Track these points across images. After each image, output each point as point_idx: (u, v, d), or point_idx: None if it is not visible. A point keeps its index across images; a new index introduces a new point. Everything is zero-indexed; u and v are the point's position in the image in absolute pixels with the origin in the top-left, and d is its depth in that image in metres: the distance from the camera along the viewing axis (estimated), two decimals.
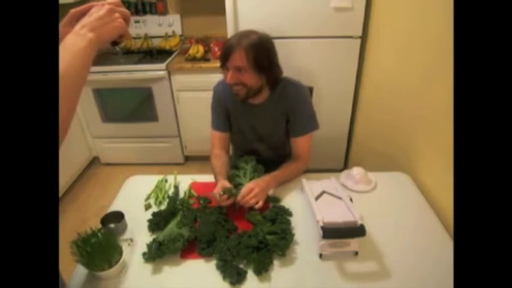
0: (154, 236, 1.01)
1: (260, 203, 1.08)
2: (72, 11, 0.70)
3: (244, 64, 1.12)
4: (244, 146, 1.43)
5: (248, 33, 1.16)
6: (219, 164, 1.27)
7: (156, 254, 0.94)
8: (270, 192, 1.18)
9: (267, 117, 1.30)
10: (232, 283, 0.88)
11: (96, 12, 0.63)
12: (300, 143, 1.31)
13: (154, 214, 1.08)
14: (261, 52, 1.15)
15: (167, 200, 1.20)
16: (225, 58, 1.13)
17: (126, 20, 0.67)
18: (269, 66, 1.18)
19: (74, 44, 0.58)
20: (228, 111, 1.35)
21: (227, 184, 1.12)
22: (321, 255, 0.96)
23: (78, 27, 0.61)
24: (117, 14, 0.64)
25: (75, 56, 0.57)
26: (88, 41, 0.59)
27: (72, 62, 0.56)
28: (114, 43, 0.70)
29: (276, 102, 1.27)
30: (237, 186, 1.14)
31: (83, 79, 0.58)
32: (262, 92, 1.25)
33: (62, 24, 0.70)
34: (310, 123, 1.30)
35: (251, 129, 1.35)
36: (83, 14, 0.67)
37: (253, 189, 1.09)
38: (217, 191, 1.09)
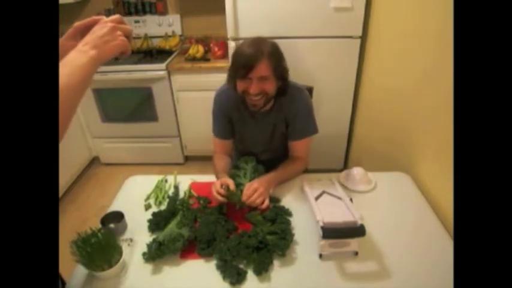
0: (154, 236, 1.01)
1: (267, 202, 1.09)
2: (76, 24, 0.71)
3: (269, 73, 1.10)
4: (245, 151, 1.41)
5: (261, 41, 1.13)
6: (222, 164, 1.27)
7: (156, 254, 0.94)
8: (270, 192, 1.18)
9: (269, 123, 1.29)
10: (232, 283, 0.88)
11: (99, 30, 0.64)
12: (298, 146, 1.31)
13: (154, 214, 1.08)
14: (280, 59, 1.14)
15: (167, 200, 1.19)
16: (248, 69, 1.08)
17: (128, 37, 0.68)
18: (284, 72, 1.18)
19: (74, 60, 0.59)
20: (231, 120, 1.32)
21: (229, 181, 1.11)
22: (321, 255, 0.96)
23: (80, 44, 0.62)
24: (119, 32, 0.66)
25: (74, 71, 0.58)
26: (89, 58, 0.60)
27: (71, 78, 0.57)
28: (115, 58, 0.71)
29: (278, 107, 1.26)
30: (237, 186, 1.14)
31: (80, 95, 0.59)
32: (271, 101, 1.24)
33: (66, 37, 0.71)
34: (309, 127, 1.29)
35: (253, 136, 1.35)
36: (87, 27, 0.69)
37: (258, 189, 1.08)
38: (219, 184, 1.09)
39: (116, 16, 0.68)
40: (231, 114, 1.30)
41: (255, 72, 1.08)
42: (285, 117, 1.27)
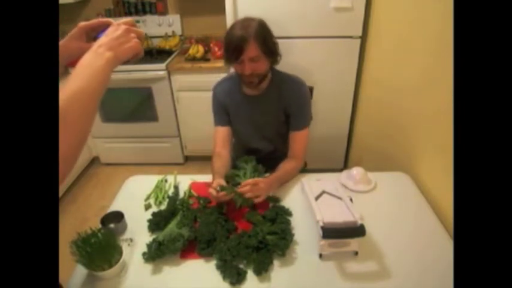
0: (154, 236, 1.01)
1: (261, 198, 1.09)
2: (81, 24, 0.71)
3: (258, 53, 1.18)
4: (244, 144, 1.45)
5: (248, 21, 1.20)
6: (219, 164, 1.27)
7: (156, 254, 0.94)
8: (271, 193, 1.18)
9: (265, 107, 1.35)
10: (232, 283, 0.88)
11: (113, 32, 0.64)
12: (299, 138, 1.35)
13: (154, 214, 1.08)
14: (267, 36, 1.21)
15: (167, 200, 1.20)
16: (238, 52, 1.16)
17: (141, 39, 0.68)
18: (274, 47, 1.25)
19: (92, 62, 0.59)
20: (227, 108, 1.38)
21: (223, 182, 1.12)
22: (320, 255, 0.96)
23: (95, 46, 0.61)
24: (133, 34, 0.66)
25: (93, 74, 0.57)
26: (106, 59, 0.60)
27: (91, 80, 0.57)
28: (127, 61, 0.70)
29: (275, 94, 1.32)
30: (237, 186, 1.14)
31: (99, 96, 0.59)
32: (266, 79, 1.29)
33: (70, 37, 0.71)
34: (308, 118, 1.36)
35: (251, 123, 1.39)
36: (92, 29, 0.69)
37: (258, 183, 1.09)
38: (213, 188, 1.09)
39: (129, 19, 0.68)
40: (228, 104, 1.38)
41: (245, 55, 1.16)
42: (285, 107, 1.32)
